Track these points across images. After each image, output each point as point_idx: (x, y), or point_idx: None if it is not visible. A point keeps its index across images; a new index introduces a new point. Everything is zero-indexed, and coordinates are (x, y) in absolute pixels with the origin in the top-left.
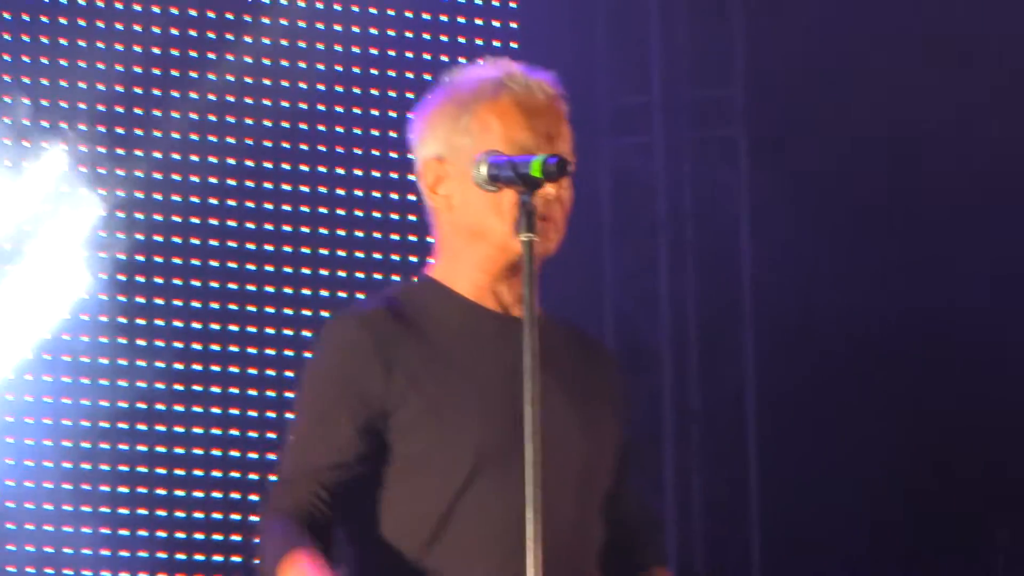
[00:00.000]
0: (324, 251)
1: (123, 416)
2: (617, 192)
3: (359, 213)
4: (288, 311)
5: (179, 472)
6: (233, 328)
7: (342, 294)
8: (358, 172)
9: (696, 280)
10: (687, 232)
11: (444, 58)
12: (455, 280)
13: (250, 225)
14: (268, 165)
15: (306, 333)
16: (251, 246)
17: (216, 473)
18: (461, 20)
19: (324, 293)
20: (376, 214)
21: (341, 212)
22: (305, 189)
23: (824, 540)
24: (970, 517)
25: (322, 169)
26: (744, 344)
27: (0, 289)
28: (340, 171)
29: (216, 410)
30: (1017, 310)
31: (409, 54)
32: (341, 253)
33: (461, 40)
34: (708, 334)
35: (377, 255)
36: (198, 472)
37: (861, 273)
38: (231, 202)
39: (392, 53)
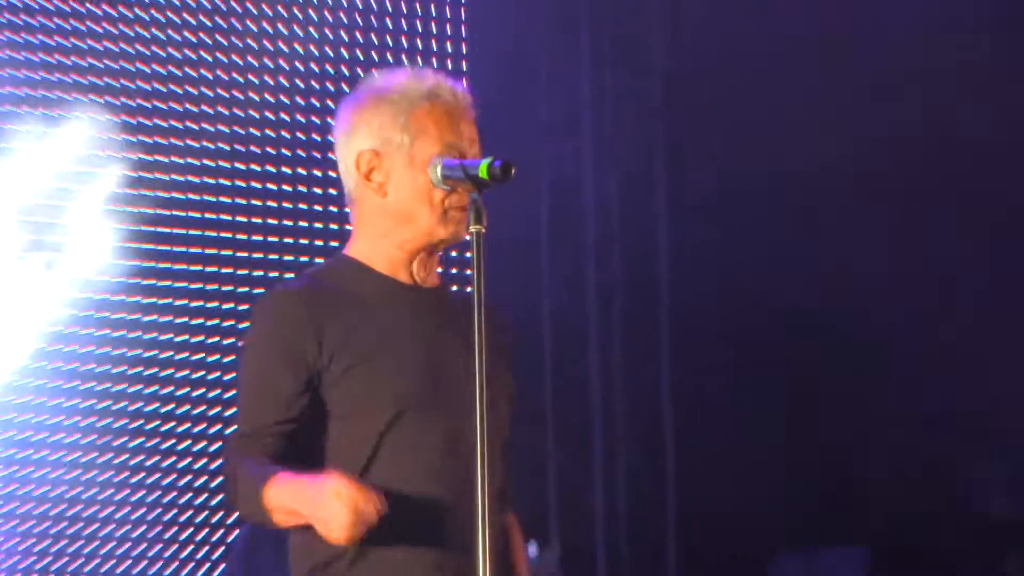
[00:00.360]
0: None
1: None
2: (553, 191)
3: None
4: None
5: None
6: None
7: None
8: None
9: (622, 271)
10: (613, 228)
11: (388, 56)
12: (371, 258)
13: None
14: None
15: None
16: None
17: None
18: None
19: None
20: None
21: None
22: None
23: (739, 518)
24: (880, 495)
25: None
26: (662, 331)
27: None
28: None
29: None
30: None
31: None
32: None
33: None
34: (631, 322)
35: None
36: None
37: (773, 264)
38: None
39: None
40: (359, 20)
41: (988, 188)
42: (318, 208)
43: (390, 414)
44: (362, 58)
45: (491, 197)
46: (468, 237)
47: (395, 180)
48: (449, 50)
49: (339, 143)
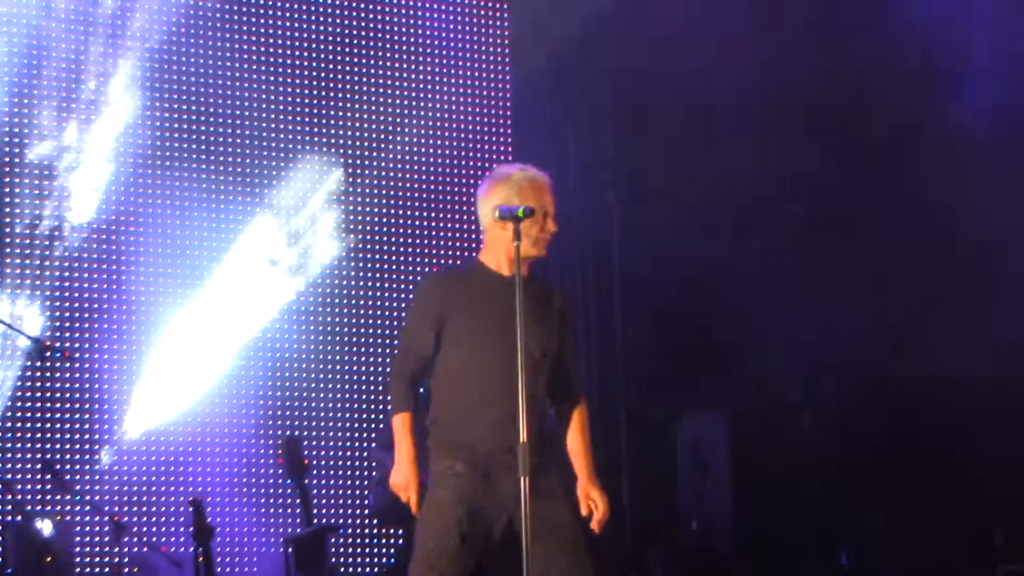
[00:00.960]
0: None
1: None
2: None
3: None
4: None
5: None
6: None
7: None
8: None
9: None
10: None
11: None
12: (489, 261)
13: None
14: None
15: None
16: None
17: None
18: None
19: None
20: None
21: None
22: None
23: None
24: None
25: None
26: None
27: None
28: None
29: None
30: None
31: None
32: None
33: None
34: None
35: None
36: None
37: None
38: None
39: None
40: None
41: None
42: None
43: (477, 355)
44: None
45: None
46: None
47: (505, 224)
48: None
49: (480, 201)
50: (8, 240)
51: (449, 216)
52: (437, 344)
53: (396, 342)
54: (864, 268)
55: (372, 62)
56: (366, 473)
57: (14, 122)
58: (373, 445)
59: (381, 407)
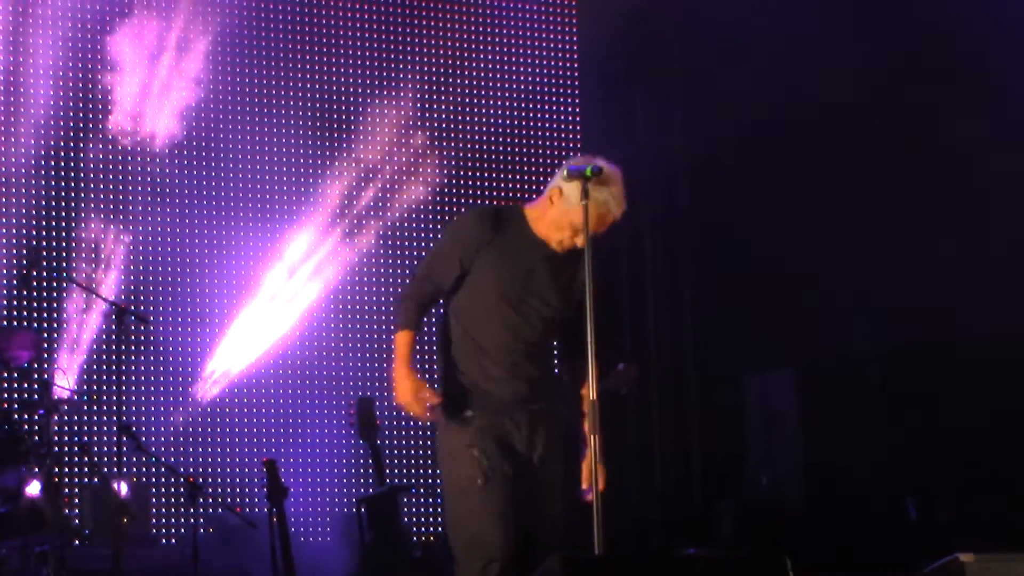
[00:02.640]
0: None
1: None
2: None
3: None
4: None
5: None
6: None
7: None
8: None
9: None
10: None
11: None
12: (532, 216)
13: None
14: None
15: None
16: None
17: None
18: None
19: None
20: None
21: None
22: None
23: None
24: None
25: None
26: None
27: None
28: None
29: None
30: None
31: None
32: None
33: None
34: None
35: None
36: None
37: None
38: None
39: None
40: None
41: None
42: None
43: (492, 295)
44: None
45: None
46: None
47: (560, 201)
48: None
49: (562, 175)
50: (86, 205)
51: (518, 175)
52: (457, 282)
53: None
54: (936, 227)
55: (446, 24)
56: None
57: (87, 88)
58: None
59: None
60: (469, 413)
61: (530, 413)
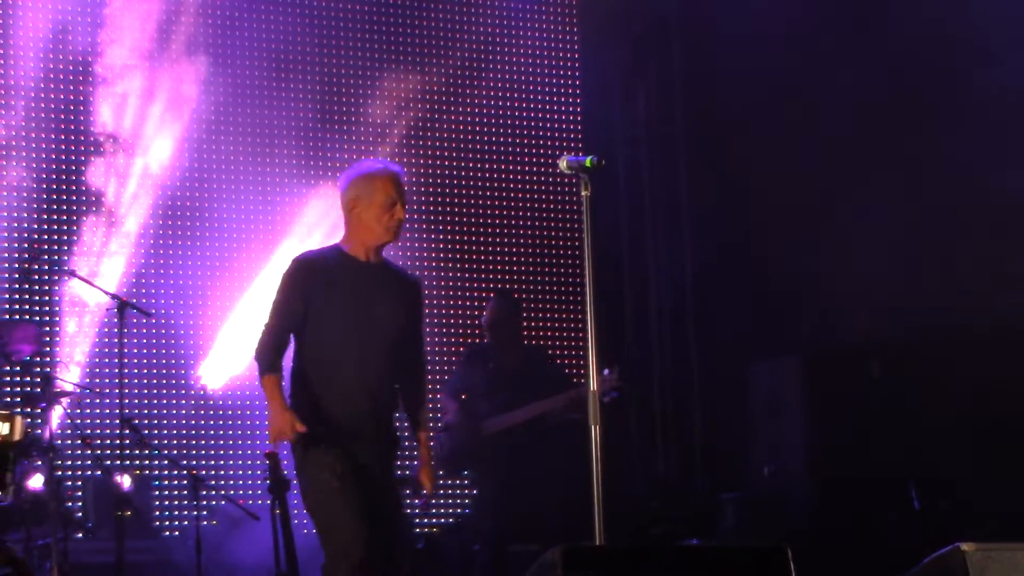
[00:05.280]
0: None
1: None
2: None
3: None
4: None
5: None
6: None
7: None
8: None
9: None
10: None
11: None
12: (349, 247)
13: None
14: None
15: None
16: None
17: None
18: None
19: None
20: None
21: None
22: None
23: None
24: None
25: None
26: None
27: None
28: None
29: None
30: None
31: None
32: None
33: None
34: None
35: None
36: None
37: None
38: None
39: None
40: None
41: None
42: None
43: (340, 335)
44: None
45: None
46: None
47: (364, 212)
48: None
49: (341, 193)
50: (86, 198)
51: (516, 170)
52: (303, 322)
53: (456, 294)
54: (936, 212)
55: (442, 15)
56: (437, 423)
57: (86, 74)
58: (440, 392)
59: (452, 359)
60: (324, 432)
61: (387, 441)
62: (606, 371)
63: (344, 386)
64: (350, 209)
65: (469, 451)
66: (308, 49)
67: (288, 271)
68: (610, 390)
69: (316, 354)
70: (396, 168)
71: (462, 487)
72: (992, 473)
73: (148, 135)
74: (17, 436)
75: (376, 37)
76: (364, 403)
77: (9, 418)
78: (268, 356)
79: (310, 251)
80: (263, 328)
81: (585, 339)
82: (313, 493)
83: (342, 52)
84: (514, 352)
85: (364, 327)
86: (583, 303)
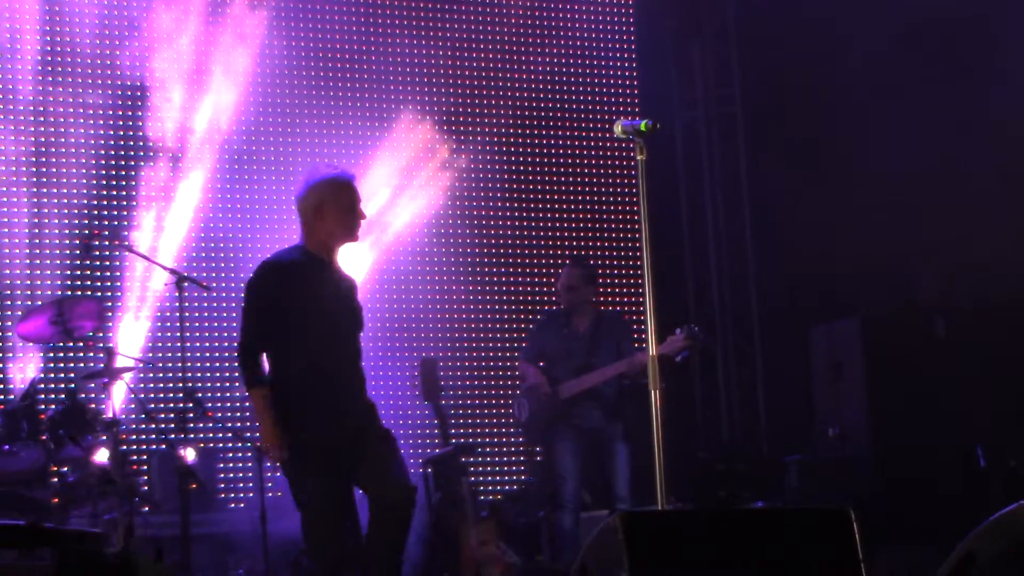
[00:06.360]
0: None
1: None
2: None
3: None
4: None
5: None
6: None
7: None
8: None
9: None
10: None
11: None
12: (312, 248)
13: None
14: None
15: None
16: None
17: None
18: None
19: None
20: None
21: None
22: None
23: None
24: None
25: None
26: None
27: None
28: None
29: None
30: None
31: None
32: None
33: None
34: None
35: None
36: None
37: None
38: None
39: None
40: None
41: None
42: None
43: (315, 334)
44: None
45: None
46: None
47: (328, 217)
48: None
49: (299, 199)
50: (144, 175)
51: (574, 136)
52: (279, 324)
53: (519, 261)
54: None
55: None
56: (500, 391)
57: (145, 52)
58: (518, 359)
59: (514, 325)
60: (311, 428)
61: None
62: (677, 331)
63: (326, 377)
64: (313, 212)
65: (547, 415)
66: (366, 13)
67: (258, 277)
68: (681, 350)
69: (297, 352)
70: (352, 173)
71: (525, 454)
72: None
73: (206, 106)
74: None
75: (434, 4)
76: (344, 388)
77: None
78: (249, 366)
79: (277, 255)
80: (241, 338)
81: (645, 305)
82: (303, 508)
83: (402, 20)
84: (588, 317)
85: (336, 322)
86: (643, 269)
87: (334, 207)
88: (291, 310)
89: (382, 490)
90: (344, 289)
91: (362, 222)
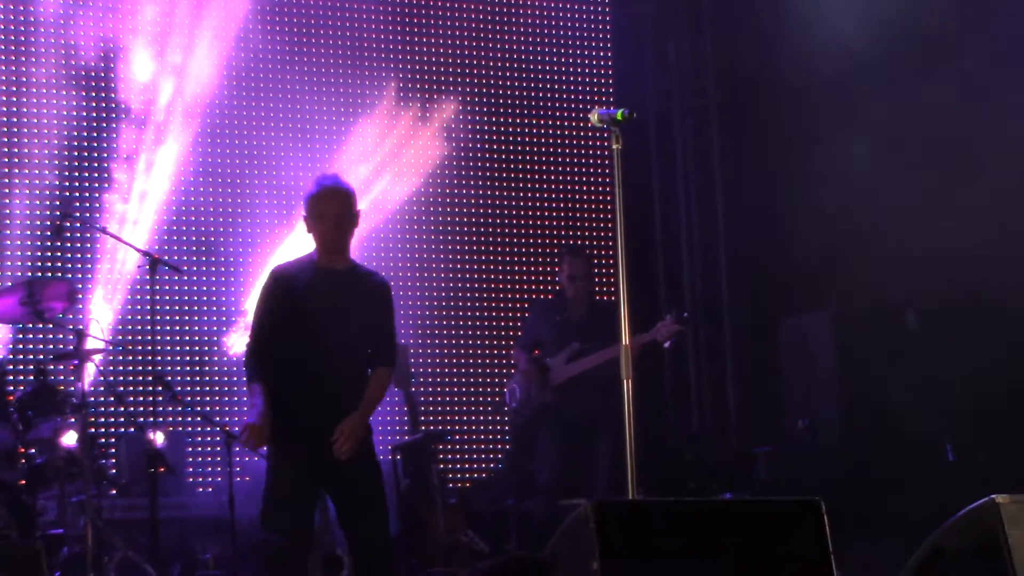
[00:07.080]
0: None
1: None
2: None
3: None
4: None
5: None
6: None
7: None
8: None
9: None
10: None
11: None
12: (317, 256)
13: None
14: None
15: None
16: None
17: None
18: None
19: None
20: None
21: None
22: None
23: None
24: None
25: None
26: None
27: None
28: None
29: None
30: None
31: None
32: None
33: None
34: None
35: None
36: None
37: None
38: None
39: None
40: None
41: None
42: None
43: (306, 332)
44: None
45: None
46: None
47: (315, 229)
48: None
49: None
50: (118, 156)
51: (548, 124)
52: (279, 328)
53: (492, 249)
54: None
55: None
56: (471, 379)
57: (115, 32)
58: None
59: (485, 314)
60: (292, 431)
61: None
62: (667, 316)
63: (313, 383)
64: (305, 224)
65: (537, 402)
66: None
67: (266, 283)
68: (671, 335)
69: (289, 355)
70: (330, 183)
71: (494, 442)
72: None
73: (178, 84)
74: None
75: None
76: (331, 395)
77: None
78: (251, 365)
79: (285, 263)
80: (247, 339)
81: (617, 294)
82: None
83: (378, 5)
84: (584, 306)
85: (329, 330)
86: (615, 258)
87: (310, 218)
88: (284, 315)
89: (365, 556)
90: (348, 297)
91: (334, 230)
